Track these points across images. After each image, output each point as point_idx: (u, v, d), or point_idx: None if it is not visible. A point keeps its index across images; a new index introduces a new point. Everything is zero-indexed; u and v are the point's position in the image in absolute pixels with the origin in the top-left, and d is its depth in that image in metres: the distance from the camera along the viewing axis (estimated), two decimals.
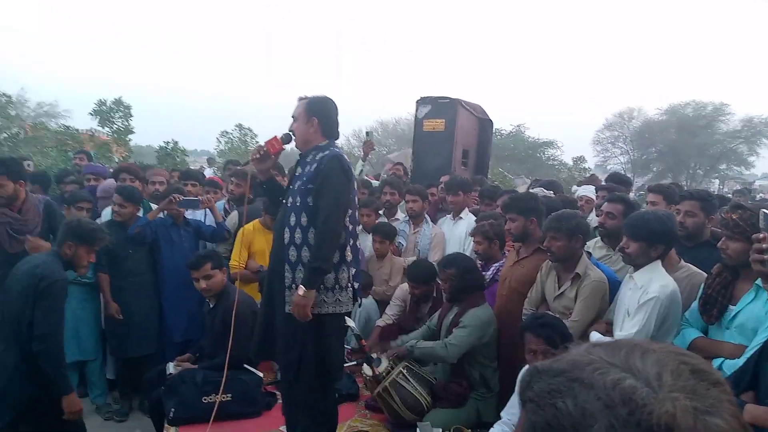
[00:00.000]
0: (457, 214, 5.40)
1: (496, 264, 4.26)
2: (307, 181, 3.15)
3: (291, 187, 3.28)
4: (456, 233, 5.33)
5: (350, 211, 3.20)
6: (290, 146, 3.41)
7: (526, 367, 0.81)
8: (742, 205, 2.77)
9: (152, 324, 4.82)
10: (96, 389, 4.92)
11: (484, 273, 4.26)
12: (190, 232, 5.08)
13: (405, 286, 4.67)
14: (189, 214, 5.19)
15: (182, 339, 4.83)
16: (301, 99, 3.33)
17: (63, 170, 6.98)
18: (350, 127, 39.14)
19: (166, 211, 4.91)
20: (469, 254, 5.00)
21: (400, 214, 5.68)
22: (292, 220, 3.16)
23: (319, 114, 3.25)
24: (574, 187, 6.61)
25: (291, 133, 3.30)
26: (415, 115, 7.95)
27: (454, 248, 5.21)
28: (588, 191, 5.98)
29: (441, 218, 5.68)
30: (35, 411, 3.20)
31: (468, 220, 5.25)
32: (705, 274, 3.00)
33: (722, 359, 2.64)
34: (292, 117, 3.31)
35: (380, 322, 4.68)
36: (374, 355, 3.88)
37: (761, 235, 2.28)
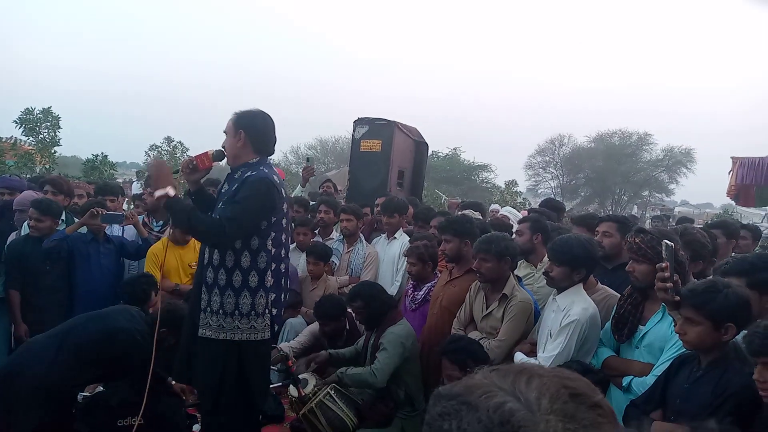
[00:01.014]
0: (391, 234, 5.44)
1: (428, 284, 4.30)
2: (228, 200, 3.03)
3: (216, 206, 3.15)
4: (390, 253, 5.36)
5: (273, 234, 3.08)
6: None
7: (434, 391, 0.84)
8: (644, 230, 2.93)
9: None
10: None
11: (416, 293, 4.31)
12: (111, 248, 4.85)
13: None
14: (110, 230, 4.97)
15: None
16: (235, 113, 3.19)
17: None
18: (289, 144, 38.93)
19: (87, 226, 4.68)
20: (401, 273, 5.07)
21: (335, 233, 5.67)
22: None
23: (247, 128, 3.10)
24: (493, 206, 6.85)
25: (223, 149, 3.18)
26: (353, 135, 8.00)
27: (388, 268, 5.24)
28: (508, 212, 6.22)
29: (375, 237, 5.70)
30: None
31: (402, 240, 5.29)
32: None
33: (631, 377, 2.78)
34: (224, 132, 3.18)
35: (285, 348, 4.37)
36: (300, 376, 3.82)
37: (664, 264, 2.43)
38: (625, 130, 37.29)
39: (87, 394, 3.86)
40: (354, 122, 7.93)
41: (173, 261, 4.65)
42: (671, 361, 2.54)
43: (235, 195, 3.00)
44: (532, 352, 3.25)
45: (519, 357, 3.23)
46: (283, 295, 3.26)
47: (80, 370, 3.17)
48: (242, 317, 3.02)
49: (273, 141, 3.23)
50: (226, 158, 3.20)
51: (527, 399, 0.72)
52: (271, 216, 3.05)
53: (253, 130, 3.12)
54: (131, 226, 5.04)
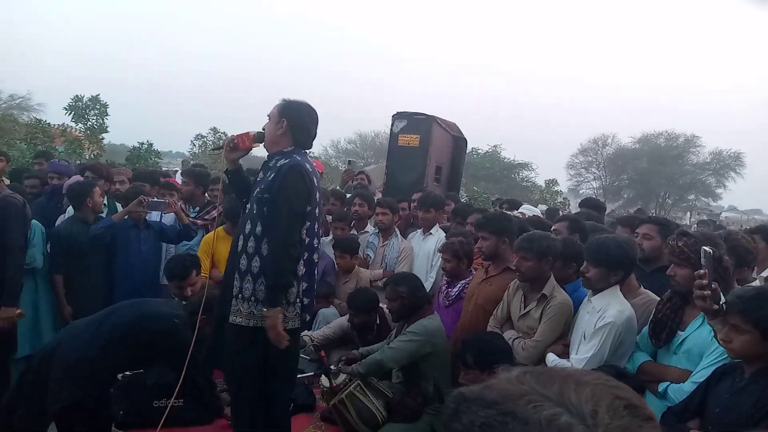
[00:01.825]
0: (427, 229, 5.42)
1: (462, 281, 4.27)
2: (264, 189, 3.06)
3: (252, 193, 3.19)
4: (425, 248, 5.34)
5: (308, 224, 3.09)
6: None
7: (452, 393, 0.78)
8: (687, 233, 2.84)
9: None
10: None
11: (449, 290, 4.28)
12: (150, 234, 4.95)
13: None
14: (149, 216, 5.08)
15: None
16: (283, 100, 3.23)
17: (24, 169, 6.86)
18: (329, 137, 39.17)
19: (130, 215, 4.79)
20: (436, 270, 5.05)
21: (370, 227, 5.68)
22: (248, 228, 3.08)
23: (290, 117, 3.13)
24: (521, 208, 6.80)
25: (263, 131, 3.22)
26: (391, 130, 7.99)
27: (422, 263, 5.23)
28: (526, 209, 6.18)
29: (411, 233, 5.69)
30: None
31: (437, 236, 5.27)
32: None
33: (668, 383, 2.70)
34: (267, 116, 3.22)
35: (305, 337, 4.39)
36: (332, 367, 3.85)
37: (702, 272, 2.36)
38: (672, 131, 36.32)
39: (127, 373, 3.97)
40: (393, 116, 7.92)
41: (224, 252, 4.73)
42: (713, 369, 2.45)
43: (272, 186, 3.02)
44: (564, 354, 3.20)
45: (551, 358, 3.18)
46: (315, 285, 3.29)
47: (115, 352, 3.24)
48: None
49: (313, 135, 3.26)
50: (265, 142, 3.25)
51: (581, 412, 0.66)
52: (306, 204, 3.06)
53: (295, 120, 3.16)
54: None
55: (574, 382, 0.70)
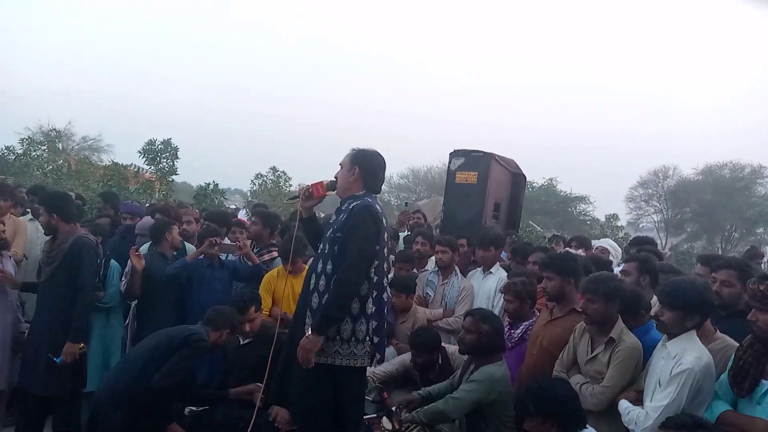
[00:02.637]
0: (487, 268, 5.38)
1: (525, 322, 4.21)
2: (337, 229, 3.21)
3: (326, 234, 3.34)
4: (485, 288, 5.30)
5: (376, 262, 3.20)
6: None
7: None
8: None
9: None
10: None
11: (512, 331, 4.22)
12: (224, 273, 5.09)
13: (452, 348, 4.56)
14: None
15: (203, 382, 4.68)
16: (353, 149, 3.43)
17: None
18: None
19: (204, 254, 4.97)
20: (497, 310, 4.98)
21: (430, 265, 5.68)
22: (320, 266, 3.22)
23: (362, 165, 3.33)
24: (594, 242, 6.63)
25: (335, 179, 3.41)
26: (448, 167, 8.05)
27: (483, 303, 5.17)
28: (607, 244, 6.03)
29: (471, 271, 5.66)
30: None
31: (498, 275, 5.22)
32: None
33: None
34: (339, 164, 3.42)
35: (370, 373, 4.34)
36: (395, 408, 3.82)
37: None
38: (737, 162, 34.90)
39: (194, 409, 4.07)
40: (450, 154, 7.99)
41: (284, 289, 4.84)
42: None
43: (345, 226, 3.17)
44: (638, 401, 3.09)
45: (624, 405, 3.08)
46: (385, 324, 3.36)
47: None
48: (343, 343, 3.15)
49: (381, 180, 3.46)
50: (337, 190, 3.42)
51: None
52: (375, 245, 3.18)
53: (366, 167, 3.35)
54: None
55: None
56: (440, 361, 4.34)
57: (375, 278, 3.20)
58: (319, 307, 3.14)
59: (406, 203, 9.56)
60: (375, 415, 4.31)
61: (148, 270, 4.79)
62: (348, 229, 3.13)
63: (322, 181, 3.48)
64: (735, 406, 2.80)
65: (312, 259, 3.61)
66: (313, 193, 3.45)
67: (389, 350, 4.90)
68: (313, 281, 3.22)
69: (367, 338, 3.19)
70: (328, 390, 3.14)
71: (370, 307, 3.18)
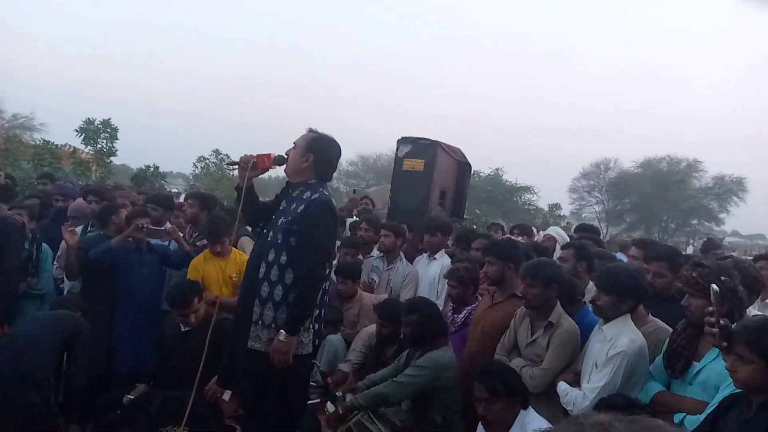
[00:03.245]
0: (432, 253, 5.40)
1: (468, 307, 4.25)
2: (293, 221, 3.14)
3: (272, 219, 3.25)
4: (429, 273, 5.32)
5: (330, 256, 3.26)
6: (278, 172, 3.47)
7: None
8: (701, 263, 2.84)
9: (100, 348, 4.50)
10: None
11: (455, 316, 4.25)
12: (153, 258, 4.84)
13: (369, 329, 4.58)
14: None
15: (129, 370, 4.53)
16: (310, 130, 3.33)
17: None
18: None
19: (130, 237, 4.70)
20: (441, 296, 5.02)
21: (375, 251, 5.67)
22: (271, 256, 3.14)
23: (318, 152, 3.25)
24: (544, 231, 6.77)
25: (285, 156, 3.29)
26: (396, 154, 8.02)
27: (426, 288, 5.20)
28: (555, 232, 6.16)
29: (417, 257, 5.67)
30: None
31: (442, 261, 5.25)
32: (670, 330, 3.04)
33: (684, 414, 2.67)
34: (293, 143, 3.31)
35: (344, 367, 4.53)
36: (338, 393, 3.80)
37: (710, 309, 2.38)
38: (674, 156, 36.49)
39: (131, 396, 3.94)
40: (398, 141, 7.95)
41: (214, 273, 4.69)
42: (720, 399, 2.44)
43: (302, 218, 3.12)
44: (575, 382, 3.17)
45: (563, 387, 3.15)
46: (324, 311, 3.35)
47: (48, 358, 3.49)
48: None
49: (334, 169, 3.43)
50: (285, 167, 3.32)
51: None
52: (334, 240, 3.25)
53: (321, 156, 3.27)
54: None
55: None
56: (401, 336, 4.34)
57: (327, 271, 3.25)
58: (269, 297, 3.10)
59: (354, 191, 9.48)
60: (319, 400, 4.29)
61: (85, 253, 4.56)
62: (308, 224, 3.10)
63: (269, 154, 3.32)
64: (669, 387, 2.90)
65: (254, 244, 3.48)
66: (257, 164, 3.29)
67: (336, 337, 4.86)
68: (262, 269, 3.14)
69: (311, 326, 3.19)
70: (275, 377, 3.11)
71: (318, 297, 3.19)
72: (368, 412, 3.66)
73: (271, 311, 3.10)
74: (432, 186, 7.58)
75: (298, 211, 3.15)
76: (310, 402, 4.18)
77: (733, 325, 2.38)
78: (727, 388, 2.51)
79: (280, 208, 3.28)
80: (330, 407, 3.76)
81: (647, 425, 0.75)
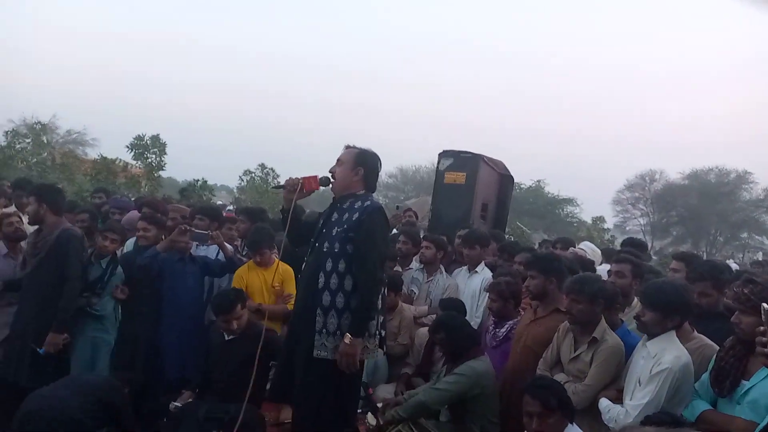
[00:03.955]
0: (472, 267, 5.41)
1: (510, 322, 4.24)
2: (348, 228, 3.25)
3: (323, 231, 3.35)
4: (471, 286, 5.32)
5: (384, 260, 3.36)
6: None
7: None
8: (753, 280, 2.77)
9: (148, 355, 4.69)
10: None
11: (497, 330, 4.25)
12: (196, 268, 4.95)
13: (423, 332, 4.66)
14: (196, 250, 5.12)
15: (175, 377, 4.65)
16: (348, 147, 3.45)
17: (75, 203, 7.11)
18: None
19: (174, 245, 4.79)
20: (483, 309, 5.02)
21: (414, 263, 5.71)
22: (329, 265, 3.23)
23: (366, 167, 3.39)
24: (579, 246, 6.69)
25: (330, 176, 3.41)
26: (437, 167, 8.09)
27: (467, 301, 5.19)
28: (586, 246, 6.10)
29: (456, 269, 5.69)
30: None
31: (483, 274, 5.25)
32: (717, 347, 2.99)
33: None
34: (338, 160, 3.42)
35: (407, 369, 4.75)
36: (379, 405, 3.85)
37: (762, 328, 2.32)
38: (723, 167, 35.32)
39: (178, 404, 4.05)
40: (439, 154, 8.02)
41: (257, 282, 4.83)
42: None
43: (358, 226, 3.23)
44: (618, 399, 3.13)
45: (605, 404, 3.11)
46: (385, 318, 3.47)
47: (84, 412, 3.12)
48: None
49: (377, 180, 3.54)
50: (331, 185, 3.43)
51: None
52: (389, 243, 3.33)
53: (370, 170, 3.42)
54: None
55: None
56: None
57: (384, 276, 3.36)
58: (331, 305, 3.19)
59: (398, 206, 9.47)
60: (360, 410, 4.34)
61: (126, 268, 4.71)
62: (365, 230, 3.21)
63: (315, 176, 3.42)
64: (715, 406, 2.84)
65: (307, 257, 3.50)
66: (304, 187, 3.40)
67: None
68: (321, 279, 3.23)
69: (377, 332, 3.31)
70: (333, 385, 3.20)
71: (379, 302, 3.30)
72: (408, 424, 3.69)
73: (334, 319, 3.18)
74: (474, 199, 7.62)
75: (353, 219, 3.25)
76: None
77: None
78: None
79: (332, 219, 3.36)
80: (371, 418, 3.81)
81: None
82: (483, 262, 5.43)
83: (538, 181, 33.90)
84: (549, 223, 31.28)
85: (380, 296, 3.29)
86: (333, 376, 3.17)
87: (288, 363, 3.36)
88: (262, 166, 24.21)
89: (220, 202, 16.59)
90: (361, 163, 3.37)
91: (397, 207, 8.47)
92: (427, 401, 3.71)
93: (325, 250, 3.27)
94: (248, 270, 4.92)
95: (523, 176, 32.37)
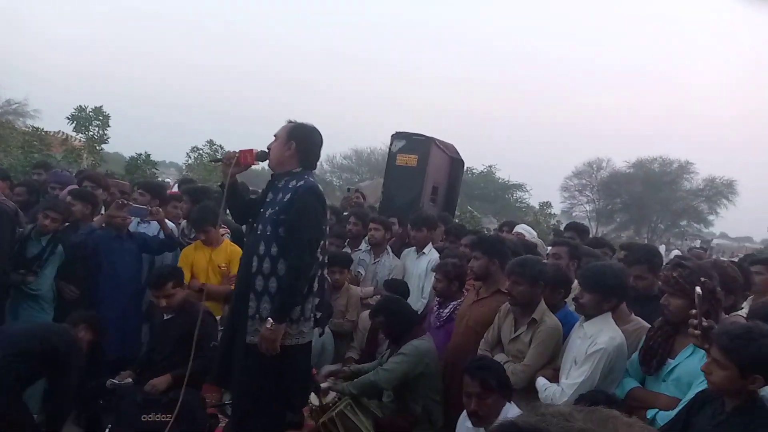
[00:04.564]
0: (420, 248, 5.44)
1: (454, 302, 4.29)
2: (280, 210, 3.14)
3: (261, 211, 3.25)
4: (418, 268, 5.36)
5: (321, 242, 3.21)
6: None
7: (498, 424, 0.84)
8: (682, 264, 2.87)
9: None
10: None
11: (441, 310, 4.30)
12: (134, 245, 4.82)
13: (366, 315, 4.67)
14: (137, 227, 5.00)
15: (118, 356, 4.52)
16: (289, 121, 3.33)
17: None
18: (324, 152, 39.11)
19: (110, 222, 4.68)
20: (427, 290, 5.07)
21: (363, 245, 5.70)
22: (261, 249, 3.14)
23: (300, 141, 3.23)
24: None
25: (267, 151, 3.29)
26: (389, 149, 8.06)
27: (415, 283, 5.24)
28: (523, 229, 6.23)
29: (405, 251, 5.72)
30: None
31: (431, 256, 5.29)
32: None
33: (657, 410, 2.72)
34: (274, 136, 3.30)
35: (352, 353, 4.75)
36: (323, 385, 3.84)
37: (694, 312, 2.42)
38: (666, 157, 36.66)
39: (115, 381, 3.94)
40: (392, 136, 7.99)
41: (203, 261, 4.74)
42: (696, 393, 2.49)
43: (289, 207, 3.11)
44: (554, 378, 3.22)
45: (542, 383, 3.19)
46: (324, 298, 3.39)
47: (12, 362, 3.26)
48: (292, 323, 3.14)
49: (318, 157, 3.40)
50: (268, 161, 3.32)
51: None
52: (323, 227, 3.21)
53: (304, 144, 3.26)
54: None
55: (624, 423, 0.78)
56: None
57: (320, 257, 3.22)
58: (264, 290, 3.10)
59: (348, 189, 9.39)
60: None
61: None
62: (295, 211, 3.09)
63: (251, 149, 3.31)
64: (644, 384, 2.95)
65: (246, 240, 3.50)
66: (239, 160, 3.27)
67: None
68: (255, 263, 3.13)
69: (312, 315, 3.24)
70: (274, 371, 3.13)
71: (315, 285, 3.22)
72: (351, 404, 3.70)
73: (267, 304, 3.09)
74: (425, 181, 7.63)
75: (285, 200, 3.14)
76: None
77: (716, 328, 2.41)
78: (700, 386, 2.55)
79: (267, 200, 3.27)
80: (314, 399, 3.80)
81: (605, 415, 0.78)
82: (430, 244, 5.47)
83: (490, 166, 34.44)
84: (499, 207, 31.81)
85: (316, 278, 3.20)
86: (273, 361, 3.08)
87: (228, 348, 3.28)
88: (211, 143, 23.68)
89: (168, 180, 16.14)
90: (295, 138, 3.22)
91: (348, 189, 8.43)
92: (376, 381, 3.74)
93: (259, 232, 3.18)
94: (195, 249, 4.82)
95: (475, 161, 32.87)
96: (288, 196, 3.14)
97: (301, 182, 3.16)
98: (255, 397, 3.15)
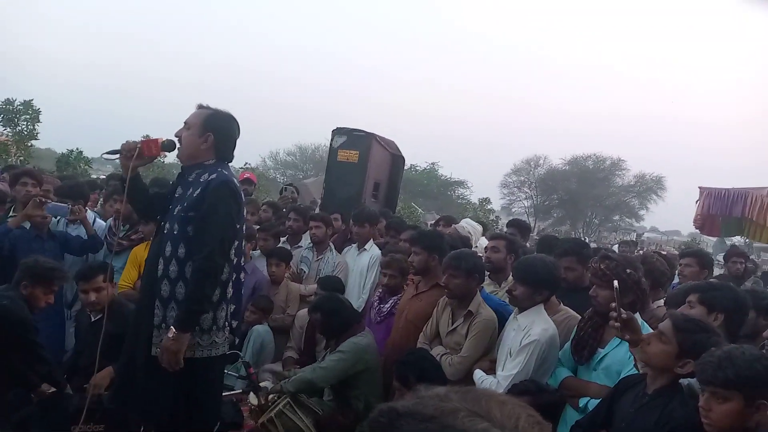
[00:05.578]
0: (362, 245, 5.44)
1: (394, 297, 4.31)
2: (189, 207, 2.81)
3: (169, 208, 2.91)
4: (359, 264, 5.35)
5: (236, 243, 2.90)
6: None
7: (379, 407, 0.85)
8: (609, 256, 3.01)
9: None
10: None
11: (381, 306, 4.31)
12: (55, 245, 4.54)
13: (302, 313, 4.63)
14: (67, 228, 4.77)
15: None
16: (201, 107, 2.98)
17: None
18: (267, 148, 38.71)
19: (30, 220, 4.38)
20: (369, 286, 5.08)
21: (304, 241, 5.66)
22: (168, 250, 2.81)
23: (217, 132, 2.90)
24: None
25: (176, 140, 2.94)
26: (330, 144, 8.03)
27: (356, 279, 5.24)
28: (466, 223, 6.37)
29: (346, 248, 5.71)
30: None
31: (372, 252, 5.30)
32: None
33: (588, 398, 2.83)
34: (185, 123, 2.93)
35: (291, 354, 4.67)
36: (261, 384, 3.79)
37: (613, 305, 2.53)
38: (600, 154, 38.06)
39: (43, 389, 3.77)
40: (333, 131, 7.97)
41: None
42: (618, 381, 2.60)
43: (198, 203, 2.80)
44: (491, 370, 3.29)
45: (478, 375, 3.26)
46: (242, 307, 3.22)
47: None
48: (203, 333, 2.82)
49: (234, 148, 3.06)
50: (177, 152, 2.97)
51: (506, 426, 0.77)
52: (236, 225, 2.89)
53: (222, 135, 2.93)
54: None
55: (496, 401, 0.81)
56: None
57: (234, 260, 2.89)
58: (171, 296, 2.77)
59: (284, 188, 9.17)
60: (241, 390, 4.26)
61: None
62: (206, 208, 2.76)
63: (157, 139, 2.95)
64: (576, 373, 3.06)
65: (152, 241, 3.12)
66: (143, 151, 2.89)
67: (263, 327, 4.82)
68: (161, 266, 2.79)
69: (227, 324, 2.92)
70: (185, 382, 2.83)
71: (230, 291, 2.90)
72: (290, 402, 3.67)
73: (174, 312, 2.77)
74: (366, 177, 7.64)
75: (195, 195, 2.81)
76: (232, 393, 4.16)
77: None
78: (628, 374, 2.68)
79: (176, 195, 2.92)
80: (253, 398, 3.74)
81: (479, 395, 0.82)
82: (372, 240, 5.48)
83: (433, 163, 34.91)
84: (441, 204, 32.21)
85: (230, 282, 2.88)
86: (180, 376, 2.75)
87: (129, 363, 2.90)
88: (147, 137, 22.93)
89: (102, 177, 15.51)
90: (212, 129, 2.86)
91: (284, 189, 8.33)
92: (313, 379, 3.68)
93: (165, 232, 2.84)
94: (145, 248, 4.59)
95: (419, 158, 33.18)
96: (198, 191, 2.81)
97: (214, 175, 2.82)
98: (164, 412, 2.83)
